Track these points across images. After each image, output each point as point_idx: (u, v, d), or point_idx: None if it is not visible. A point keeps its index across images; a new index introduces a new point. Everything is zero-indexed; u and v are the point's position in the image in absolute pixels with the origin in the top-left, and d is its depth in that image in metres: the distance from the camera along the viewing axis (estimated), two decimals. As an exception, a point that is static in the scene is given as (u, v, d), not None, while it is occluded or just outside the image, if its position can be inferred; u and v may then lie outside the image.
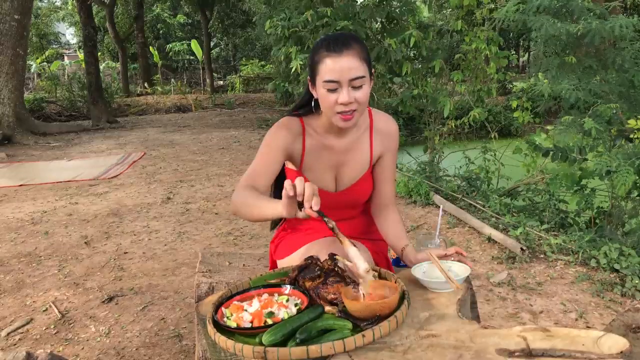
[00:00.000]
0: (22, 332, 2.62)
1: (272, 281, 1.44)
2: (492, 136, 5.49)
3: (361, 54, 1.42)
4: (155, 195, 5.45)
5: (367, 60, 1.44)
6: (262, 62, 23.40)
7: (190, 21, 27.03)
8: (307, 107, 1.58)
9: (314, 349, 1.06)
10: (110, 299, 2.97)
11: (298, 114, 1.59)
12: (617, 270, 2.99)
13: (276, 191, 1.79)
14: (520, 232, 3.53)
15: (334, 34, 1.52)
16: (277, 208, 1.27)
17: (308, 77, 1.52)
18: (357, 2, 6.81)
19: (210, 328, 1.19)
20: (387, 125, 1.61)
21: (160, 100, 16.93)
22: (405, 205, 4.73)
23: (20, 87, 10.67)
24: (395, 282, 1.32)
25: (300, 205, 1.22)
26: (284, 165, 1.69)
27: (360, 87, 1.41)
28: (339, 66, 1.39)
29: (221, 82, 23.53)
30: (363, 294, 1.23)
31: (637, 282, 2.83)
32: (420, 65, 6.22)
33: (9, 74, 10.08)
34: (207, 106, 16.70)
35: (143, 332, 2.58)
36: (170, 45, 23.34)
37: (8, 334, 2.60)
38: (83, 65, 15.55)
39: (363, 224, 1.71)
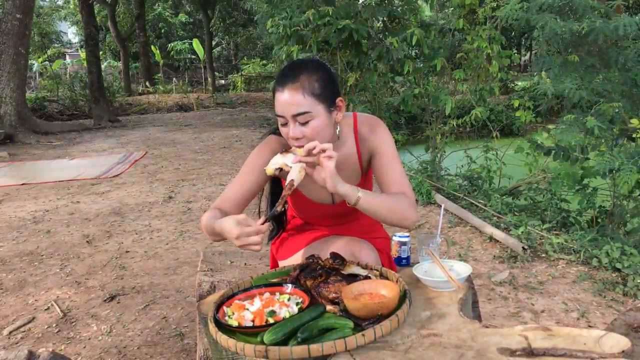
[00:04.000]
0: (24, 331, 2.62)
1: (274, 280, 1.44)
2: (494, 135, 5.48)
3: (309, 87, 1.36)
4: (156, 194, 5.46)
5: (319, 94, 1.38)
6: (264, 61, 23.42)
7: (191, 20, 27.03)
8: None
9: (316, 348, 1.06)
10: (112, 297, 2.97)
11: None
12: (618, 270, 2.98)
13: (272, 203, 1.77)
14: (522, 232, 3.53)
15: (294, 62, 1.50)
16: (227, 224, 1.27)
17: None
18: (358, 1, 6.80)
19: (212, 327, 1.19)
20: (370, 126, 1.56)
21: (162, 99, 16.93)
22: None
23: (22, 86, 10.67)
24: (397, 281, 1.32)
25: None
26: (280, 181, 1.68)
27: (306, 122, 1.38)
28: (281, 102, 1.38)
29: (223, 81, 23.53)
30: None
31: (638, 281, 2.82)
32: (422, 64, 6.21)
33: (10, 72, 10.10)
34: (209, 105, 16.70)
35: (145, 331, 2.58)
36: (172, 45, 23.33)
37: (10, 332, 2.60)
38: (85, 64, 15.57)
39: (365, 224, 1.71)
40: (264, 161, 1.51)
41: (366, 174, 1.62)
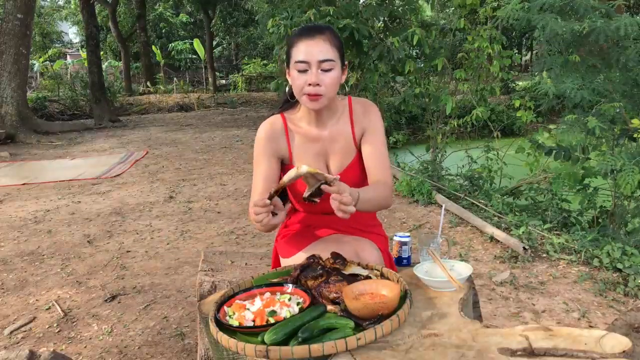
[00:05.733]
0: (25, 331, 2.63)
1: (275, 280, 1.44)
2: (495, 135, 5.48)
3: (333, 41, 1.51)
4: (157, 194, 5.46)
5: (339, 49, 1.53)
6: (265, 61, 23.39)
7: (192, 20, 27.02)
8: (288, 102, 1.66)
9: (316, 347, 1.06)
10: (113, 297, 2.97)
11: (279, 111, 1.68)
12: (619, 270, 2.98)
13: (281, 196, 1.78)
14: (523, 232, 3.53)
15: (312, 24, 1.63)
16: None
17: (284, 65, 1.59)
18: (359, 0, 6.79)
19: (213, 327, 1.19)
20: (364, 107, 1.65)
21: (163, 99, 16.93)
22: (407, 205, 4.73)
23: (23, 86, 10.68)
24: (398, 281, 1.32)
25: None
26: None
27: (329, 70, 1.49)
28: (309, 48, 1.48)
29: (223, 81, 23.53)
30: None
31: (639, 281, 2.82)
32: (422, 64, 6.21)
33: (12, 72, 10.11)
34: (210, 105, 16.71)
35: (145, 331, 2.59)
36: (173, 45, 23.32)
37: (11, 332, 2.61)
38: (86, 64, 15.57)
39: (363, 217, 1.71)
40: (265, 149, 1.61)
41: (360, 150, 1.68)
